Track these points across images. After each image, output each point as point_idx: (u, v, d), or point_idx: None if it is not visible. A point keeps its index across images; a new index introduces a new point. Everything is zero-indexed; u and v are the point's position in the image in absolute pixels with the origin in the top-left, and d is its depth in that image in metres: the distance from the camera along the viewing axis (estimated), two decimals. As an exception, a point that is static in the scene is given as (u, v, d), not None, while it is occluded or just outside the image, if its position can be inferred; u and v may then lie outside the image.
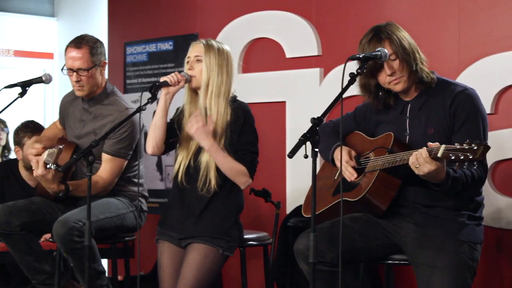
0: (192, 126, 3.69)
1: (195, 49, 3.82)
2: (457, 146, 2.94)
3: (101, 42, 4.36)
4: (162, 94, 3.80)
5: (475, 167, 3.04)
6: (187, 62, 3.84)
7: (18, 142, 5.23)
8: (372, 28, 3.39)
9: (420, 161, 3.04)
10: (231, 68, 3.81)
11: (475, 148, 2.90)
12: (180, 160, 3.82)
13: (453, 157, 2.94)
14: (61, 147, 4.06)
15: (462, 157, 2.92)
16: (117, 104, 4.30)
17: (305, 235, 3.37)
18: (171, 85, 3.76)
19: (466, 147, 2.92)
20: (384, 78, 3.35)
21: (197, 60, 3.79)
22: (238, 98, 3.87)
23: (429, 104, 3.36)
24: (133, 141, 4.28)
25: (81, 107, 4.38)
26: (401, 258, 3.43)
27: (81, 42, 4.26)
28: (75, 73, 4.24)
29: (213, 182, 3.73)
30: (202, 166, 3.75)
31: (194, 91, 3.84)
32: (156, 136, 3.80)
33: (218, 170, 3.74)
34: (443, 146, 2.98)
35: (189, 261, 3.70)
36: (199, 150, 3.79)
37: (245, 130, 3.77)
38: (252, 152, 3.79)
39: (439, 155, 2.98)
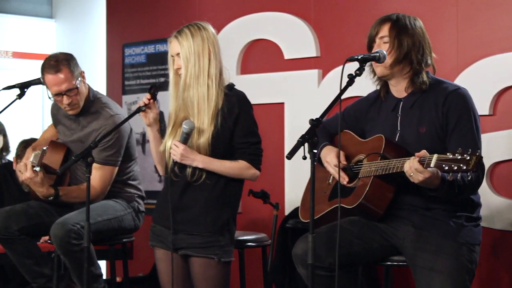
0: (176, 155, 3.56)
1: (175, 46, 3.64)
2: (450, 156, 2.92)
3: (71, 55, 4.30)
4: (146, 127, 3.68)
5: (469, 178, 3.03)
6: (173, 61, 3.66)
7: (19, 156, 5.21)
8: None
9: (413, 170, 3.04)
10: (212, 48, 3.61)
11: (468, 158, 2.89)
12: (169, 148, 3.65)
13: (446, 168, 2.93)
14: (44, 148, 4.07)
15: (455, 168, 2.91)
16: (102, 113, 4.28)
17: (303, 239, 3.37)
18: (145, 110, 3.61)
19: (459, 157, 2.90)
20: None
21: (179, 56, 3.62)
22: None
23: (421, 102, 3.35)
24: (121, 147, 4.26)
25: (69, 116, 4.37)
26: (400, 259, 3.42)
27: (58, 64, 4.19)
28: (65, 96, 4.20)
29: (204, 173, 3.60)
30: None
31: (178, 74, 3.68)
32: (161, 162, 3.73)
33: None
34: (435, 156, 2.97)
35: (195, 275, 3.62)
36: None
37: (242, 119, 3.60)
38: (253, 144, 3.64)
39: (431, 165, 2.97)
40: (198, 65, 3.59)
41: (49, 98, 4.27)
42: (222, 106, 3.59)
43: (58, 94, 4.20)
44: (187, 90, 3.60)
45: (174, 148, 3.58)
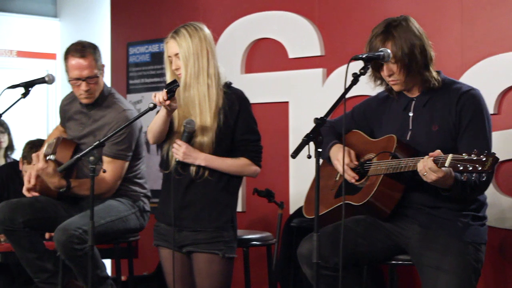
0: (178, 154, 3.62)
1: (173, 46, 3.68)
2: (465, 156, 2.93)
3: (96, 45, 4.35)
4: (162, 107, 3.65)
5: (483, 179, 3.02)
6: (170, 62, 3.70)
7: (25, 157, 5.22)
8: (385, 21, 3.37)
9: (426, 169, 3.04)
10: (210, 48, 3.67)
11: (484, 159, 2.89)
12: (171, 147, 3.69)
13: (461, 168, 2.93)
14: (60, 137, 4.09)
15: (470, 168, 2.91)
16: (115, 107, 4.30)
17: (308, 239, 3.37)
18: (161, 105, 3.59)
19: (475, 158, 2.90)
20: (384, 76, 3.36)
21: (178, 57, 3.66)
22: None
23: (433, 102, 3.35)
24: (132, 143, 4.28)
25: (80, 110, 4.39)
26: (405, 258, 3.42)
27: (84, 50, 4.24)
28: (84, 82, 4.24)
29: (207, 170, 3.65)
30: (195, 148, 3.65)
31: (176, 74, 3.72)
32: (156, 135, 3.72)
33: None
34: (450, 156, 2.97)
35: (198, 272, 3.66)
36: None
37: (242, 117, 3.68)
38: (253, 141, 3.71)
39: (446, 164, 2.97)
40: (198, 65, 3.64)
41: (68, 82, 4.29)
42: (223, 105, 3.65)
43: (77, 79, 4.23)
44: (187, 90, 3.64)
45: (176, 147, 3.61)
